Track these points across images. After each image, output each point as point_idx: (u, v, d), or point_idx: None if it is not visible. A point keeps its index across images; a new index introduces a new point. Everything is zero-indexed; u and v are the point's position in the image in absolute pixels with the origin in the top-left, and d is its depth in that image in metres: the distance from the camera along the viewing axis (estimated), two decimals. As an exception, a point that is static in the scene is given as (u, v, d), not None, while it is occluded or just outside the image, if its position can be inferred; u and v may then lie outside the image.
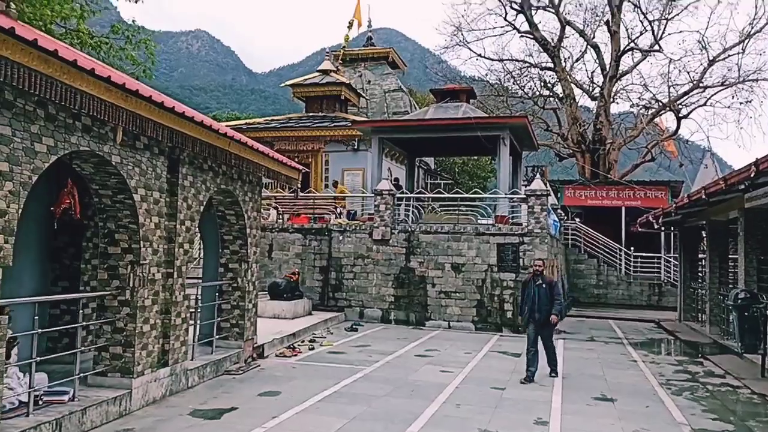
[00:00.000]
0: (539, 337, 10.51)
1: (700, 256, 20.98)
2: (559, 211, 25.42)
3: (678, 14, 31.21)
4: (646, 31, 31.36)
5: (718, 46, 33.57)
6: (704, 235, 20.62)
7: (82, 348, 7.34)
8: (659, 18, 30.86)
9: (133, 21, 20.42)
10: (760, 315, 11.89)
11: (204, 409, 7.85)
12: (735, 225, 14.87)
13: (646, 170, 37.12)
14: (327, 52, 30.83)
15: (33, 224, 8.38)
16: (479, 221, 18.24)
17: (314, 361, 11.58)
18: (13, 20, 6.09)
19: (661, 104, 31.48)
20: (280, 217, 19.84)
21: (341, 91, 27.37)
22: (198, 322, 10.40)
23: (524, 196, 17.67)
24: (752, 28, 29.14)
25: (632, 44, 31.84)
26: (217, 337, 10.66)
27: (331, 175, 24.51)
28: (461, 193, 20.21)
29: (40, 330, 6.38)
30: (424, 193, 22.07)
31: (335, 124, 25.16)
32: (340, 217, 20.05)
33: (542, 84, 34.35)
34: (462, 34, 33.58)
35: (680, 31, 70.69)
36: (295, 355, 11.99)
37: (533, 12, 31.92)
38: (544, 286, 10.53)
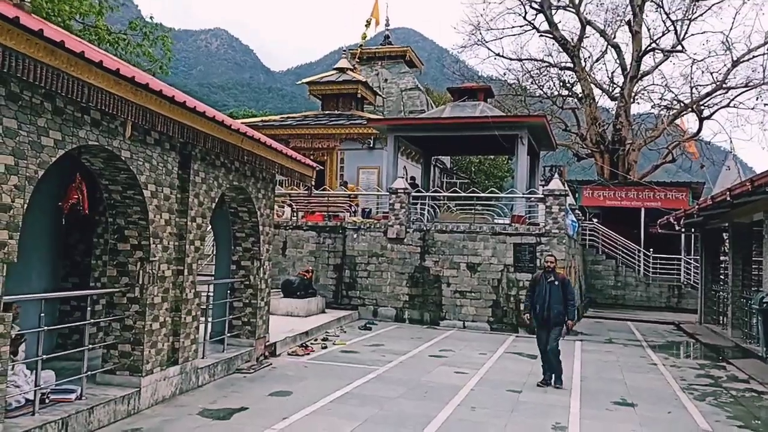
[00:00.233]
0: (546, 339, 9.81)
1: (721, 258, 20.58)
2: (576, 211, 25.10)
3: (702, 14, 30.66)
4: (669, 31, 30.84)
5: (742, 47, 32.76)
6: (726, 238, 20.23)
7: (91, 345, 7.23)
8: (682, 18, 30.33)
9: (151, 18, 20.47)
10: (786, 319, 11.56)
11: (213, 409, 7.72)
12: (759, 227, 14.49)
13: (666, 171, 36.57)
14: (344, 51, 30.68)
15: (43, 220, 8.30)
16: (495, 221, 18.01)
17: (327, 360, 11.42)
18: (22, 11, 5.97)
19: (683, 105, 30.95)
20: (295, 214, 19.76)
21: (357, 89, 27.22)
22: (209, 319, 10.29)
23: (542, 195, 17.42)
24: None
25: (654, 44, 31.34)
26: (229, 335, 10.54)
27: (346, 173, 24.38)
28: (477, 193, 19.99)
29: (46, 327, 6.26)
30: (440, 192, 21.85)
31: (351, 122, 25.02)
32: (355, 215, 19.92)
33: (561, 84, 33.98)
34: (480, 33, 33.29)
35: (704, 32, 68.92)
36: (308, 354, 11.84)
37: (553, 12, 31.56)
38: (556, 283, 9.81)
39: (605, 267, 26.18)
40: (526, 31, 32.78)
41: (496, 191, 21.81)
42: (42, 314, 6.21)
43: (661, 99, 32.28)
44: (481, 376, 10.53)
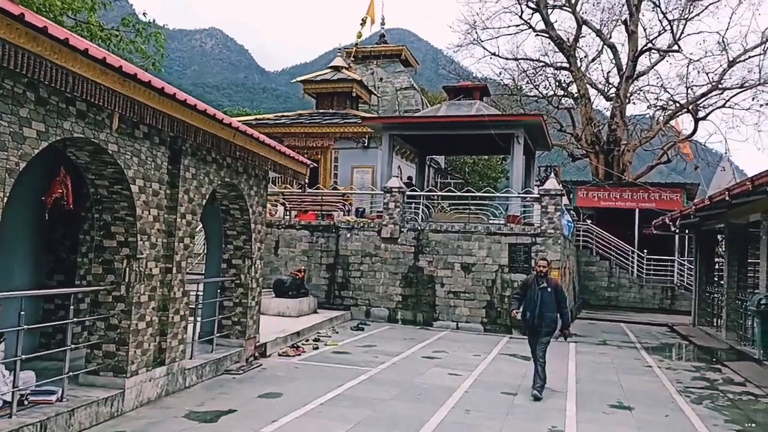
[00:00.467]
0: (536, 346, 9.33)
1: (716, 259, 20.49)
2: (571, 212, 24.98)
3: (698, 14, 30.54)
4: (665, 31, 30.73)
5: (738, 47, 32.73)
6: (721, 239, 20.14)
7: (73, 345, 6.98)
8: (679, 18, 30.25)
9: (144, 14, 20.17)
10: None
11: (200, 411, 7.50)
12: (756, 229, 14.40)
13: (659, 173, 36.51)
14: (339, 50, 30.45)
15: (25, 214, 8.05)
16: (490, 221, 17.85)
17: (318, 361, 11.23)
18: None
19: (678, 105, 30.88)
20: (288, 213, 19.55)
21: (352, 87, 26.98)
22: (198, 319, 10.08)
23: (537, 195, 17.26)
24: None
25: (650, 44, 31.26)
26: (218, 335, 10.33)
27: (340, 172, 24.17)
28: (472, 193, 19.81)
29: (26, 326, 6.03)
30: (435, 192, 21.66)
31: (345, 120, 24.79)
32: (348, 215, 19.72)
33: (557, 84, 33.86)
34: (476, 32, 33.11)
35: (700, 32, 68.85)
36: (299, 355, 11.64)
37: (549, 11, 31.44)
38: (549, 290, 9.30)
39: (599, 268, 26.07)
40: (522, 30, 32.64)
41: (492, 191, 21.65)
42: (22, 312, 5.97)
43: (656, 99, 32.24)
44: (475, 377, 10.36)
